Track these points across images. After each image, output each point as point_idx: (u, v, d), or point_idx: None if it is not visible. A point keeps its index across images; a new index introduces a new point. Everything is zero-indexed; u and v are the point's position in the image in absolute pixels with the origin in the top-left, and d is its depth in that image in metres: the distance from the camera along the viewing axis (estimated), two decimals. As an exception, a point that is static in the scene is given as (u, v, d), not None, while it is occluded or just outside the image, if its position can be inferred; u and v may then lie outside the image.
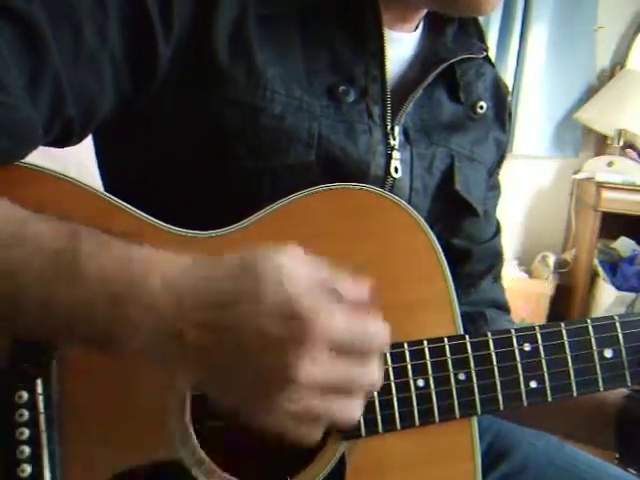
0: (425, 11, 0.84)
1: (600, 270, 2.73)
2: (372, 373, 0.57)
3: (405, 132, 0.82)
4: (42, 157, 0.67)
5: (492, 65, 0.96)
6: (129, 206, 0.67)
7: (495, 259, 1.00)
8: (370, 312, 0.56)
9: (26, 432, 0.62)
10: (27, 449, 0.62)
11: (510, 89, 2.91)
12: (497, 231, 1.01)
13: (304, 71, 0.75)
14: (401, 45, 0.83)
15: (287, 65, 0.74)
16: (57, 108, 0.63)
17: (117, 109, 0.69)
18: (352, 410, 0.56)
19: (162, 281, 0.53)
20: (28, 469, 0.62)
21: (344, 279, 0.56)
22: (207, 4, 0.69)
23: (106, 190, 0.80)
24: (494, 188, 1.00)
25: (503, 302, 1.02)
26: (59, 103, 0.63)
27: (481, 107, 0.89)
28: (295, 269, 0.53)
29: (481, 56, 0.89)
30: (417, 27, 0.86)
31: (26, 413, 0.62)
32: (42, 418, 0.63)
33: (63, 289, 0.53)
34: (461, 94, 0.88)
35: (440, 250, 0.73)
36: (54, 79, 0.61)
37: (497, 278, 1.01)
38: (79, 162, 1.24)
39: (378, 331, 0.56)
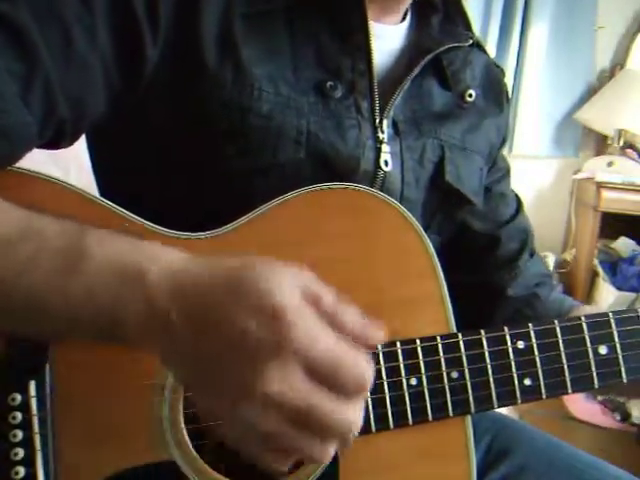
0: (409, 1, 0.84)
1: (600, 270, 2.72)
2: (350, 415, 0.49)
3: (394, 125, 0.82)
4: (45, 160, 0.68)
5: (483, 51, 0.95)
6: (123, 209, 0.67)
7: (524, 235, 1.01)
8: (364, 351, 0.50)
9: (19, 434, 0.63)
10: (21, 451, 0.62)
11: (510, 89, 2.93)
12: (518, 208, 1.02)
13: (291, 68, 0.75)
14: (387, 38, 0.83)
15: (274, 63, 0.74)
16: (50, 111, 0.63)
17: (108, 109, 0.69)
18: (321, 452, 0.50)
19: (160, 267, 0.53)
20: (22, 471, 0.62)
21: (348, 309, 0.51)
22: (191, 5, 0.69)
23: (100, 192, 0.80)
24: (501, 170, 1.00)
25: (547, 273, 1.04)
26: (52, 106, 0.63)
27: (470, 95, 0.89)
28: (293, 281, 0.51)
29: (467, 44, 0.89)
30: (404, 19, 0.86)
31: (19, 415, 0.63)
32: (35, 420, 0.63)
33: (70, 280, 0.54)
34: (450, 83, 0.87)
35: (432, 249, 0.73)
36: (46, 83, 0.61)
37: (533, 253, 1.02)
38: (80, 164, 1.24)
39: (365, 369, 0.49)
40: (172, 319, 0.51)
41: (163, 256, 0.55)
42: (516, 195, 1.03)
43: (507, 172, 1.02)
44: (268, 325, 0.47)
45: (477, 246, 0.97)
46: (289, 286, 0.49)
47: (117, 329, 0.53)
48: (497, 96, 0.96)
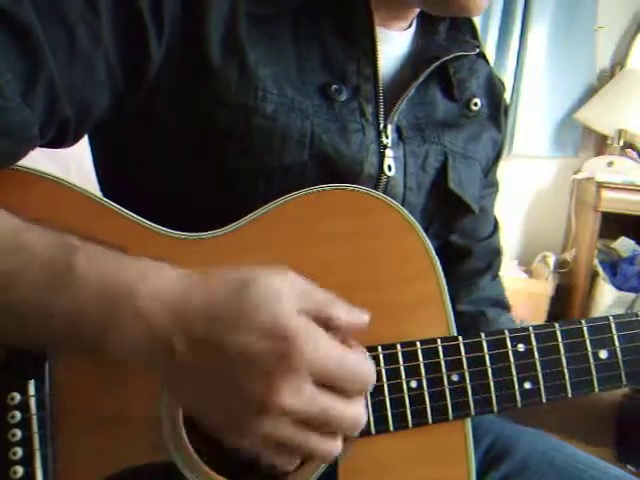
0: (418, 10, 0.84)
1: (600, 270, 2.72)
2: (355, 414, 0.56)
3: (398, 130, 0.82)
4: (45, 159, 0.67)
5: (487, 62, 0.95)
6: (123, 209, 0.67)
7: (494, 256, 1.01)
8: (362, 348, 0.56)
9: (18, 433, 0.62)
10: (19, 450, 0.62)
11: (510, 89, 2.93)
12: (495, 229, 1.02)
13: (296, 70, 0.74)
14: (394, 43, 0.83)
15: (279, 64, 0.73)
16: (52, 110, 0.63)
17: (111, 109, 0.69)
18: (330, 447, 0.56)
19: (155, 291, 0.53)
20: (20, 470, 0.62)
21: (340, 307, 0.56)
22: (197, 5, 0.69)
23: (103, 192, 0.80)
24: (490, 186, 1.00)
25: (503, 299, 1.02)
26: (54, 105, 0.62)
27: (475, 104, 0.89)
28: (290, 292, 0.53)
29: (474, 53, 0.89)
30: (410, 25, 0.86)
31: (18, 415, 0.62)
32: (34, 420, 0.63)
33: (56, 297, 0.54)
34: (455, 92, 0.87)
35: (432, 250, 0.72)
36: (49, 82, 0.61)
37: (496, 276, 1.02)
38: (80, 163, 1.24)
39: (367, 370, 0.56)
40: (176, 352, 0.52)
41: (154, 274, 0.55)
42: (495, 217, 1.03)
43: (496, 190, 1.02)
44: (278, 345, 0.51)
45: (445, 255, 0.94)
46: (291, 300, 0.53)
47: (106, 348, 0.53)
48: (496, 110, 0.96)
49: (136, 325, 0.53)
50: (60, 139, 0.67)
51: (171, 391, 0.57)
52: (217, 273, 0.56)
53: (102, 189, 0.83)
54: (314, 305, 0.54)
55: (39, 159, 0.66)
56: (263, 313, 0.52)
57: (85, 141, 0.78)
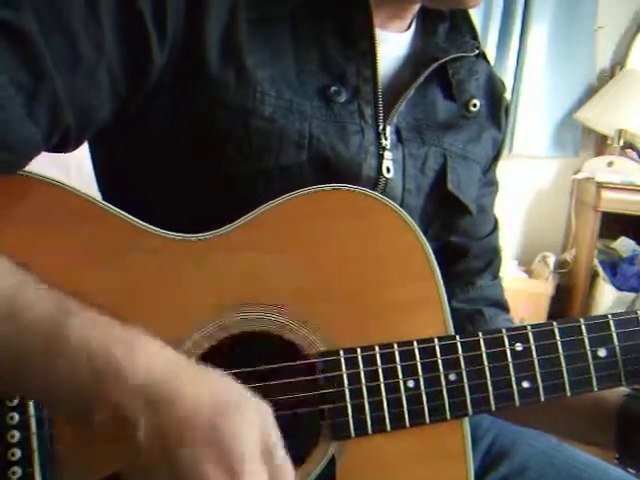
0: (416, 9, 0.84)
1: (600, 270, 2.72)
2: None
3: (397, 132, 0.82)
4: (45, 161, 0.67)
5: (487, 62, 0.95)
6: (122, 212, 0.67)
7: (493, 256, 1.00)
8: None
9: (17, 435, 0.62)
10: (18, 451, 0.62)
11: (510, 89, 2.93)
12: (494, 228, 1.01)
13: (295, 72, 0.75)
14: (393, 45, 0.83)
15: (278, 66, 0.73)
16: (55, 120, 0.62)
17: (113, 115, 0.69)
18: None
19: (146, 373, 0.53)
20: (19, 471, 0.62)
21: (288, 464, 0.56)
22: (198, 9, 0.69)
23: (102, 195, 0.80)
24: (490, 184, 1.00)
25: (502, 300, 1.02)
26: (57, 115, 0.62)
27: (474, 105, 0.89)
28: (258, 432, 0.54)
29: (473, 54, 0.89)
30: (409, 26, 0.86)
31: (16, 416, 0.62)
32: (33, 421, 0.62)
33: (47, 367, 0.54)
34: (454, 92, 0.87)
35: (430, 250, 0.73)
36: (52, 92, 0.61)
37: (495, 276, 1.01)
38: (80, 165, 1.24)
39: None
40: (136, 432, 0.52)
41: (146, 351, 0.55)
42: (495, 216, 1.02)
43: (496, 189, 1.02)
44: (227, 472, 0.51)
45: (444, 254, 0.93)
46: (255, 437, 0.53)
47: (87, 417, 0.53)
48: (497, 110, 0.96)
49: (112, 393, 0.53)
50: (62, 145, 0.67)
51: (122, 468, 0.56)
52: (207, 376, 0.56)
53: (101, 191, 0.83)
54: (272, 447, 0.55)
55: (39, 162, 0.66)
56: (234, 445, 0.52)
57: (85, 144, 0.78)
